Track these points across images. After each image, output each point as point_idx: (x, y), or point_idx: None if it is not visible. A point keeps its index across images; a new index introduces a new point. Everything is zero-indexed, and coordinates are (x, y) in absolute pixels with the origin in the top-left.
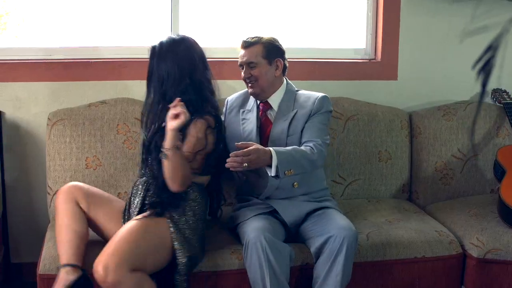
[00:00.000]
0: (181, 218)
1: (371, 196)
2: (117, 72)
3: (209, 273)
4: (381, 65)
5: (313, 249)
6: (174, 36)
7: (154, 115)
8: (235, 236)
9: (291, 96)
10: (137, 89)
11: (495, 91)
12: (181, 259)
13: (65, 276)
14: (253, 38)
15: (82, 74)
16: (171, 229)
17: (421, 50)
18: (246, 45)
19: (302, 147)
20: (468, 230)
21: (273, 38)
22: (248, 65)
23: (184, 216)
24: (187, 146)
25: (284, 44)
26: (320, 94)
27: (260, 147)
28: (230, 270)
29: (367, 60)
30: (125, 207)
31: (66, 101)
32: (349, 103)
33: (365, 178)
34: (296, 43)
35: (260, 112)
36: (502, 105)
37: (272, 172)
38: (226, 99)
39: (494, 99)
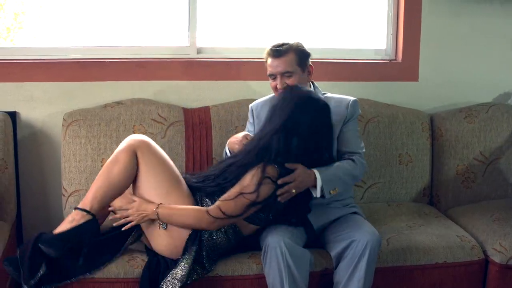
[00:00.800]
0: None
1: (391, 200)
2: (134, 72)
3: (227, 277)
4: (402, 66)
5: (333, 253)
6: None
7: (260, 148)
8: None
9: None
10: (154, 89)
11: None
12: (180, 269)
13: (76, 217)
14: (283, 45)
15: (98, 74)
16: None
17: (443, 51)
18: (278, 54)
19: (344, 162)
20: (490, 235)
21: (299, 43)
22: (283, 74)
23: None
24: (228, 194)
25: (307, 44)
26: (351, 98)
27: (304, 169)
28: (248, 275)
29: (388, 61)
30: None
31: (82, 101)
32: (369, 104)
33: (385, 182)
34: (316, 43)
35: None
36: None
37: (317, 193)
38: (250, 106)
39: None
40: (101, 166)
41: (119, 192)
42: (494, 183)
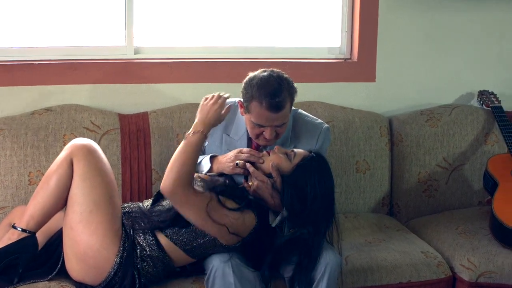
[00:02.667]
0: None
1: (348, 211)
2: (66, 76)
3: None
4: (358, 65)
5: (288, 276)
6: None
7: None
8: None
9: (288, 123)
10: (87, 94)
11: (482, 93)
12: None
13: (11, 237)
14: (280, 95)
15: (24, 77)
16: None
17: (402, 49)
18: (278, 109)
19: None
20: (457, 250)
21: (289, 80)
22: (276, 126)
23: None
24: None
25: (251, 43)
26: (322, 127)
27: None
28: None
29: (342, 60)
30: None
31: (6, 108)
32: (323, 108)
33: (341, 191)
34: (264, 42)
35: (253, 146)
36: (490, 108)
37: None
38: None
39: (481, 102)
40: (28, 180)
41: (60, 205)
42: (458, 192)
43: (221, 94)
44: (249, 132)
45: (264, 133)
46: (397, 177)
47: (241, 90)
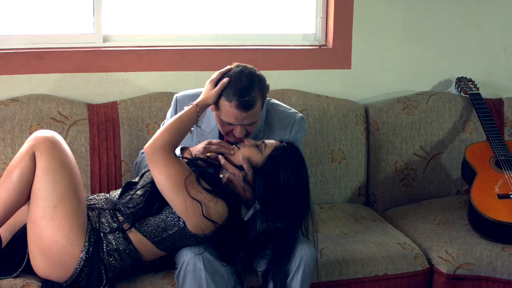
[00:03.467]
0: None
1: (323, 201)
2: (31, 65)
3: None
4: (333, 52)
5: (261, 270)
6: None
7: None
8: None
9: (261, 114)
10: (54, 84)
11: (460, 80)
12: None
13: None
14: (250, 93)
15: None
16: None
17: (378, 36)
18: (248, 108)
19: None
20: (435, 241)
21: (261, 76)
22: (247, 124)
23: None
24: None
25: (221, 29)
26: (296, 117)
27: None
28: None
29: (317, 47)
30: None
31: None
32: (297, 96)
33: (316, 181)
34: (235, 28)
35: (224, 139)
36: (468, 95)
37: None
38: (176, 97)
39: (459, 89)
40: None
41: (23, 200)
42: (436, 181)
43: (223, 81)
44: (219, 129)
45: (233, 131)
46: (374, 166)
47: None
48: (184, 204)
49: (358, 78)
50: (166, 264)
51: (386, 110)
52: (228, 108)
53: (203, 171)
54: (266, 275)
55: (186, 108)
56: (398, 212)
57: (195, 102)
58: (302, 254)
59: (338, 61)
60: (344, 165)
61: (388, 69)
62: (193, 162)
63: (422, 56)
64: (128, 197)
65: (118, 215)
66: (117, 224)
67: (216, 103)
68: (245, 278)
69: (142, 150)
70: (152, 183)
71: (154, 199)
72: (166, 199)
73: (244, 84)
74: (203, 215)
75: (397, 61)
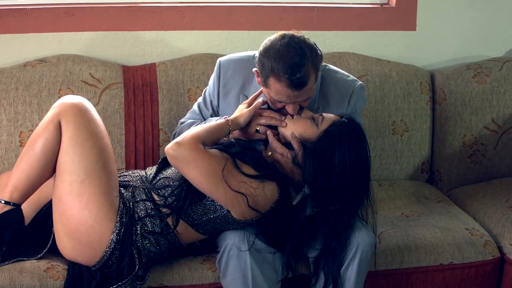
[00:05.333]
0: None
1: (383, 178)
2: (62, 22)
3: None
4: (396, 11)
5: (313, 257)
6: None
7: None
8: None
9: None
10: (86, 43)
11: None
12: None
13: None
14: (301, 69)
15: (16, 24)
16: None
17: None
18: (300, 86)
19: None
20: (507, 226)
21: (313, 47)
22: (300, 101)
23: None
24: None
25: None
26: (355, 85)
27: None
28: (200, 285)
29: (378, 5)
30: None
31: None
32: (355, 60)
33: (375, 156)
34: None
35: None
36: None
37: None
38: (219, 61)
39: None
40: (19, 141)
41: (48, 173)
42: (508, 158)
43: (258, 101)
44: (269, 104)
45: (286, 107)
46: (439, 140)
47: (255, 60)
48: (225, 197)
49: (424, 41)
50: (207, 247)
51: (454, 77)
52: (278, 87)
53: (241, 152)
54: (317, 263)
55: (218, 121)
56: (466, 192)
57: (228, 118)
58: (359, 241)
59: (402, 22)
60: (407, 138)
61: (457, 32)
62: (226, 146)
63: (495, 17)
64: (161, 181)
65: (154, 194)
66: (154, 212)
67: (265, 81)
68: (296, 267)
69: (182, 120)
70: (184, 179)
71: (193, 193)
72: (206, 194)
73: (294, 59)
74: (249, 206)
75: (467, 22)
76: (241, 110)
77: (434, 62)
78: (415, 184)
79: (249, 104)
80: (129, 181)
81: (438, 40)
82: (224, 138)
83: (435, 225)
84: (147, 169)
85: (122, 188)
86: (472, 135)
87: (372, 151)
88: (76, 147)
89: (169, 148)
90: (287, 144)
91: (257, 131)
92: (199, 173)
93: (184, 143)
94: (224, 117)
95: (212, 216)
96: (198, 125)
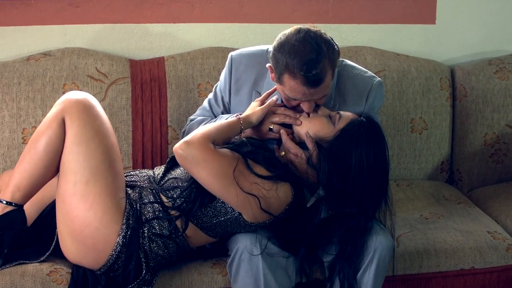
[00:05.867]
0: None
1: (400, 177)
2: (67, 14)
3: None
4: (415, 4)
5: (328, 261)
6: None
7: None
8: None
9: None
10: (92, 36)
11: None
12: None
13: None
14: (317, 65)
15: (19, 16)
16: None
17: None
18: (317, 83)
19: None
20: None
21: (329, 42)
22: (316, 99)
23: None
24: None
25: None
26: (374, 81)
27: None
28: None
29: None
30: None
31: None
32: (372, 54)
33: (393, 154)
34: None
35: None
36: None
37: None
38: (231, 56)
39: None
40: (22, 138)
41: (51, 173)
42: None
43: (271, 99)
44: (284, 102)
45: (301, 105)
46: (459, 138)
47: (269, 55)
48: (237, 199)
49: (444, 34)
50: (218, 250)
51: (475, 73)
52: (293, 84)
53: (253, 151)
54: (332, 268)
55: (229, 118)
56: (487, 193)
57: (240, 116)
58: (376, 245)
59: (421, 15)
60: (426, 136)
61: (478, 25)
62: (237, 146)
63: None
64: (169, 181)
65: (162, 195)
66: (162, 214)
67: (279, 77)
68: (310, 272)
69: (191, 117)
70: (194, 180)
71: (202, 194)
72: (216, 196)
73: (310, 55)
74: (262, 209)
75: (489, 15)
76: (254, 108)
77: (455, 57)
78: (434, 184)
79: (262, 102)
80: (136, 181)
81: (458, 33)
82: (236, 137)
83: (456, 228)
84: (155, 168)
85: (128, 189)
86: (493, 133)
87: (389, 149)
88: (80, 146)
89: (177, 147)
90: (301, 144)
91: (270, 129)
92: (209, 174)
93: (193, 142)
94: (236, 114)
95: (222, 218)
96: (208, 123)
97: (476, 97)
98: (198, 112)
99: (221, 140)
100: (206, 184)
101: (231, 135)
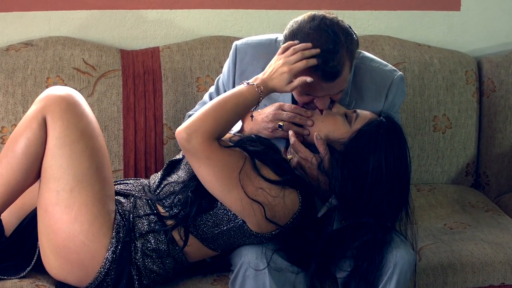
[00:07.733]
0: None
1: (422, 181)
2: None
3: None
4: None
5: (341, 277)
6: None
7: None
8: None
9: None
10: (78, 23)
11: None
12: None
13: None
14: (334, 58)
15: None
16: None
17: None
18: (334, 76)
19: None
20: None
21: (348, 32)
22: (332, 94)
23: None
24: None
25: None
26: (394, 76)
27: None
28: None
29: None
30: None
31: None
32: (391, 44)
33: (413, 156)
34: None
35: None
36: None
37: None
38: (235, 45)
39: None
40: (1, 137)
41: (31, 179)
42: None
43: (308, 51)
44: (295, 98)
45: (315, 101)
46: (487, 138)
47: (279, 45)
48: (240, 204)
49: (469, 22)
50: (219, 264)
51: (505, 65)
52: (301, 75)
53: (263, 154)
54: (347, 286)
55: (242, 86)
56: None
57: (256, 82)
58: (396, 259)
59: (444, 1)
60: (450, 136)
61: (507, 12)
62: (244, 144)
63: None
64: (165, 188)
65: (158, 206)
66: (158, 225)
67: None
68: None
69: (189, 112)
70: (193, 178)
71: (200, 196)
72: (216, 198)
73: (326, 46)
74: (267, 218)
75: None
76: (278, 71)
77: (482, 47)
78: (459, 189)
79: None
80: (131, 190)
81: (485, 21)
82: (242, 133)
83: (484, 239)
84: (151, 177)
85: (121, 197)
86: None
87: (409, 150)
88: (64, 149)
89: (180, 133)
90: (312, 146)
91: (280, 126)
92: (211, 171)
93: (198, 136)
94: (247, 82)
95: (225, 227)
96: (217, 99)
97: (505, 92)
98: (197, 107)
99: (230, 124)
100: (205, 182)
101: (244, 110)
